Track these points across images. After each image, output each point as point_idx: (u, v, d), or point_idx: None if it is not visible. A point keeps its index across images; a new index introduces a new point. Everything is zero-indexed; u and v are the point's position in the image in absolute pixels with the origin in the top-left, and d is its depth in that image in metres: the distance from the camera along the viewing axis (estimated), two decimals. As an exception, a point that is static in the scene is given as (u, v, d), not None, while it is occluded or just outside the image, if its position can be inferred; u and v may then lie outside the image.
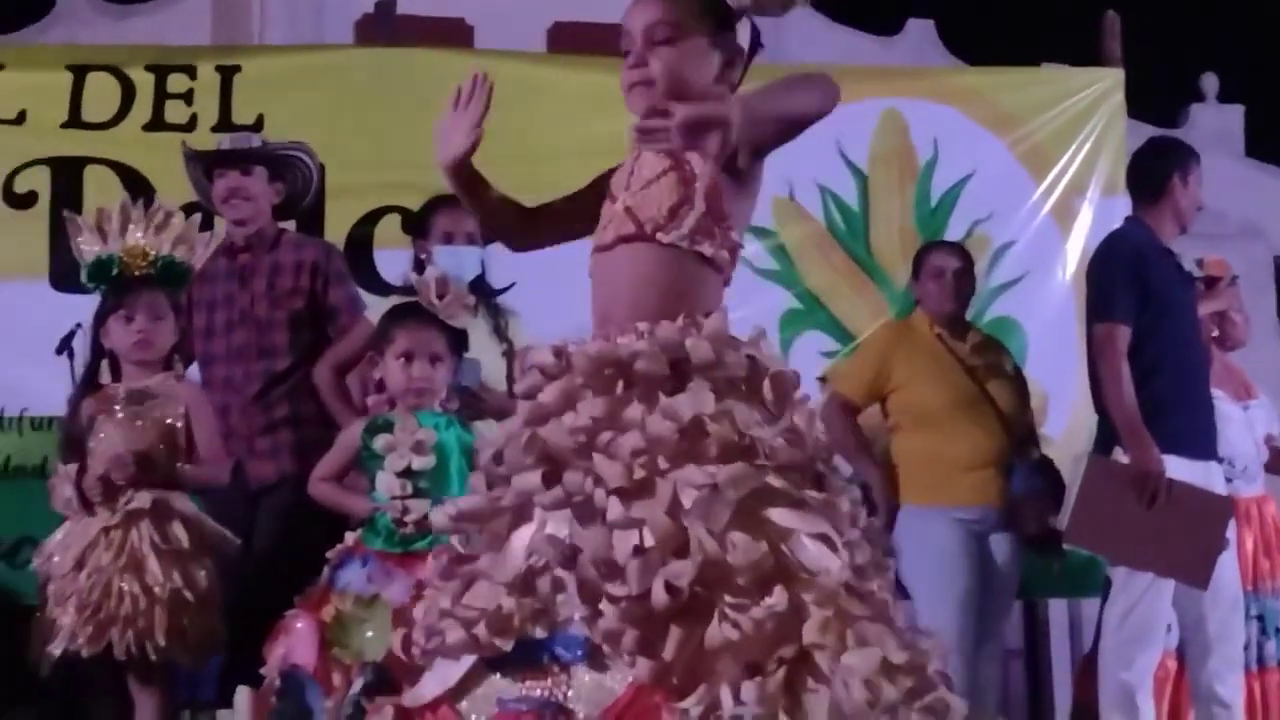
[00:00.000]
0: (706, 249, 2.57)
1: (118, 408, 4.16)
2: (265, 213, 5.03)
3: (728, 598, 2.23)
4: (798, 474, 2.35)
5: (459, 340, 4.16)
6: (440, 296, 4.06)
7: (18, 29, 8.76)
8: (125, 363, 4.24)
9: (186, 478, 4.16)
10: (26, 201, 5.75)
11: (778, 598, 2.21)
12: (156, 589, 3.91)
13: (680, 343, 2.41)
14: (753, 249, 6.08)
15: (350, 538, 3.76)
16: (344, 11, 8.90)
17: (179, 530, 4.00)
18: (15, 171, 5.74)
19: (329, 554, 3.72)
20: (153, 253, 4.26)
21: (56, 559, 4.02)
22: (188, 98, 5.89)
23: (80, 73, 5.88)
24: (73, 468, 4.06)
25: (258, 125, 5.81)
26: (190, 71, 5.95)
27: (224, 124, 5.74)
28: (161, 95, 5.89)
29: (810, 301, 6.15)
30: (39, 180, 5.76)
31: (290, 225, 5.33)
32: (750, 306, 6.02)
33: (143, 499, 3.98)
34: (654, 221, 2.58)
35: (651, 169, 2.63)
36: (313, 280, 4.95)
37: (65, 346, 5.13)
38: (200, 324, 4.94)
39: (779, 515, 2.28)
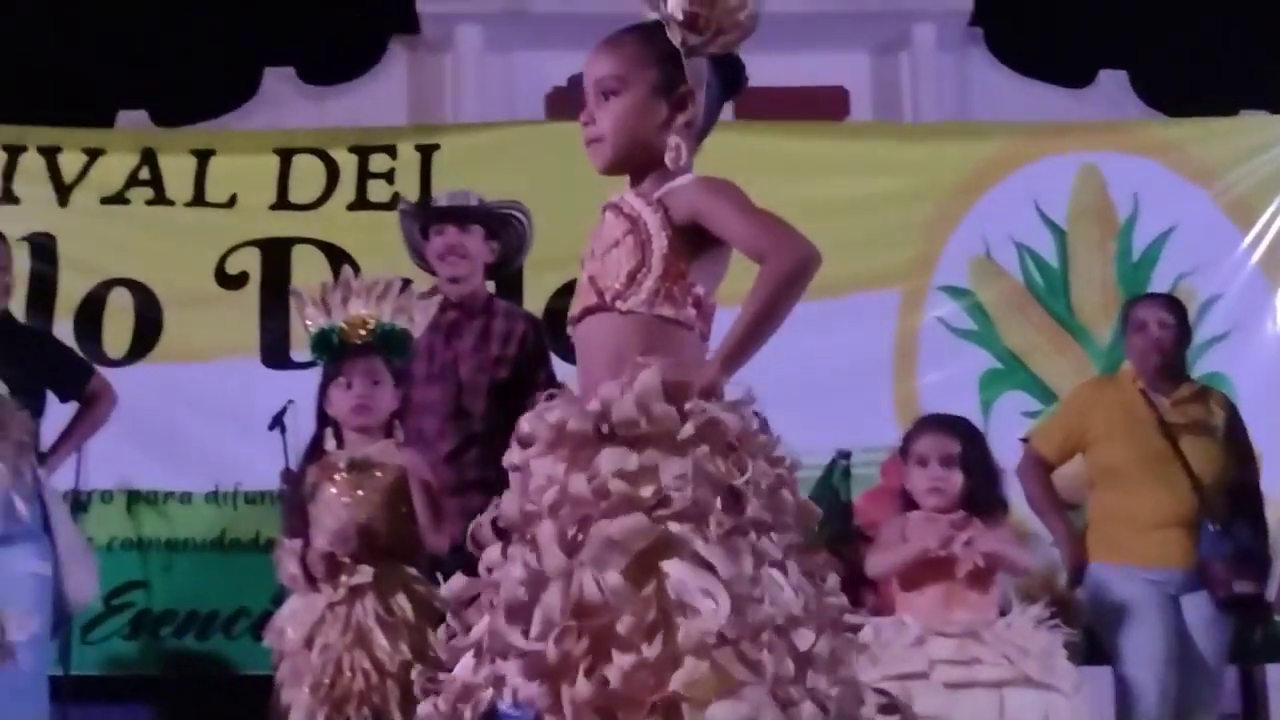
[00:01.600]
0: (668, 311, 2.50)
1: (339, 476, 4.21)
2: (479, 271, 5.05)
3: (613, 650, 2.21)
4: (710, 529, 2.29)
5: None
6: None
7: (225, 113, 9.11)
8: (347, 430, 4.29)
9: (420, 546, 4.19)
10: (238, 282, 5.95)
11: (653, 647, 2.19)
12: (387, 663, 3.93)
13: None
14: (949, 309, 6.04)
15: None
16: (534, 86, 9.09)
17: (403, 601, 4.01)
18: (227, 253, 5.94)
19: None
20: (372, 322, 4.33)
21: (289, 635, 4.08)
22: (389, 177, 6.05)
23: (286, 156, 6.08)
24: (297, 543, 4.12)
25: (459, 202, 5.96)
26: (391, 151, 6.11)
27: (424, 202, 5.85)
28: (364, 175, 6.06)
29: (1010, 361, 6.05)
30: (249, 261, 5.96)
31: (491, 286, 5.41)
32: (949, 368, 5.99)
33: (364, 573, 4.01)
34: (612, 290, 2.54)
35: (610, 234, 2.59)
36: (519, 352, 4.98)
37: (277, 422, 5.27)
38: (419, 372, 4.98)
39: (671, 566, 2.25)
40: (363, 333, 4.32)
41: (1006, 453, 5.10)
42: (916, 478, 4.23)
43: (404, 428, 4.43)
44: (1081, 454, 5.05)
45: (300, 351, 5.42)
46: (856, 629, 2.52)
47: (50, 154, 6.05)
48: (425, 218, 5.07)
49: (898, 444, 5.25)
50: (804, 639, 2.28)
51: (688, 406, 2.36)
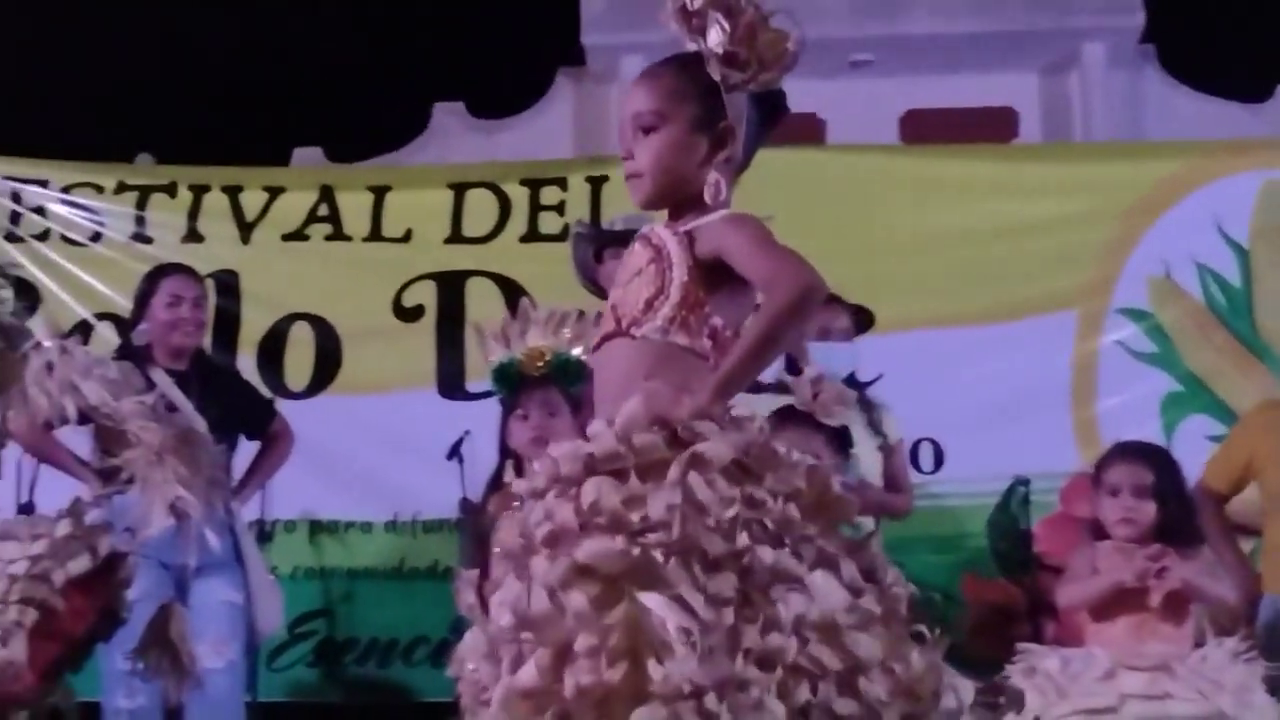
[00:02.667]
0: (682, 339, 2.48)
1: (519, 506, 4.23)
2: None
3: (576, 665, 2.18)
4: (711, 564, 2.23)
5: (840, 439, 4.15)
6: (815, 395, 4.07)
7: (396, 148, 9.29)
8: (527, 462, 4.32)
9: None
10: (414, 315, 6.04)
11: (614, 671, 2.14)
12: None
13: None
14: (1129, 332, 5.91)
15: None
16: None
17: None
18: (404, 287, 6.04)
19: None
20: (549, 353, 4.35)
21: (469, 666, 4.11)
22: (560, 209, 6.10)
23: (460, 190, 6.18)
24: (475, 574, 4.16)
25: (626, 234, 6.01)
26: (562, 183, 6.17)
27: (598, 225, 5.90)
28: (535, 208, 6.12)
29: (1192, 384, 5.89)
30: (425, 294, 6.05)
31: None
32: (1129, 391, 5.86)
33: None
34: (629, 317, 2.53)
35: (635, 264, 2.57)
36: None
37: (455, 452, 5.34)
38: (584, 397, 5.02)
39: (649, 599, 2.17)
40: (540, 364, 4.34)
41: (1191, 478, 4.99)
42: (1108, 508, 4.13)
43: None
44: (1255, 482, 4.89)
45: (476, 382, 5.49)
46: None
47: (233, 193, 6.22)
48: (601, 240, 5.08)
49: (1078, 470, 5.15)
50: (858, 643, 2.23)
51: (680, 432, 2.32)
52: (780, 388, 4.52)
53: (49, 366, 3.64)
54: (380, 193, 6.21)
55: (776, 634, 2.20)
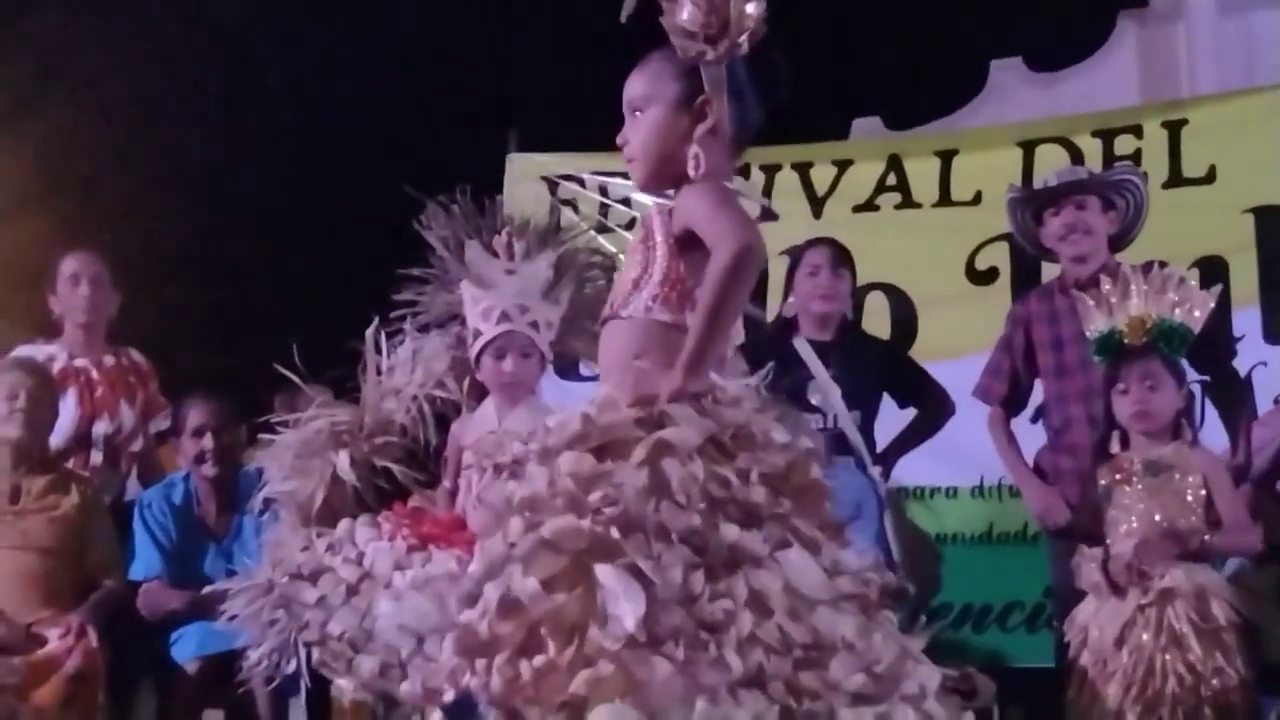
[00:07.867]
0: (665, 316, 2.59)
1: (1134, 478, 4.14)
2: (1104, 247, 4.86)
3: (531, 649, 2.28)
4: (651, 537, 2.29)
5: None
6: None
7: (953, 111, 9.22)
8: (1132, 434, 4.23)
9: (1214, 549, 4.04)
10: (988, 278, 6.01)
11: (566, 653, 2.23)
12: (1199, 667, 3.81)
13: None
14: None
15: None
16: (1274, 48, 8.56)
17: (1218, 609, 3.88)
18: (976, 250, 6.00)
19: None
20: (1150, 320, 4.22)
21: (1093, 635, 4.04)
22: (1135, 158, 5.90)
23: (1029, 147, 6.10)
24: (1098, 552, 4.08)
25: (1209, 176, 5.74)
26: (1136, 131, 5.98)
27: (1174, 179, 5.68)
28: (1109, 159, 5.95)
29: None
30: (998, 256, 6.01)
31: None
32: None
33: (1175, 577, 3.90)
34: (618, 299, 2.66)
35: (633, 244, 2.71)
36: None
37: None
38: (1048, 364, 4.91)
39: (601, 570, 2.26)
40: (1142, 333, 4.23)
41: None
42: None
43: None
44: None
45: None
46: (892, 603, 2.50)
47: (803, 170, 6.38)
48: (1037, 201, 4.93)
49: None
50: (823, 619, 2.30)
51: (656, 415, 2.40)
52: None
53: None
54: (947, 157, 6.23)
55: (726, 601, 2.26)
